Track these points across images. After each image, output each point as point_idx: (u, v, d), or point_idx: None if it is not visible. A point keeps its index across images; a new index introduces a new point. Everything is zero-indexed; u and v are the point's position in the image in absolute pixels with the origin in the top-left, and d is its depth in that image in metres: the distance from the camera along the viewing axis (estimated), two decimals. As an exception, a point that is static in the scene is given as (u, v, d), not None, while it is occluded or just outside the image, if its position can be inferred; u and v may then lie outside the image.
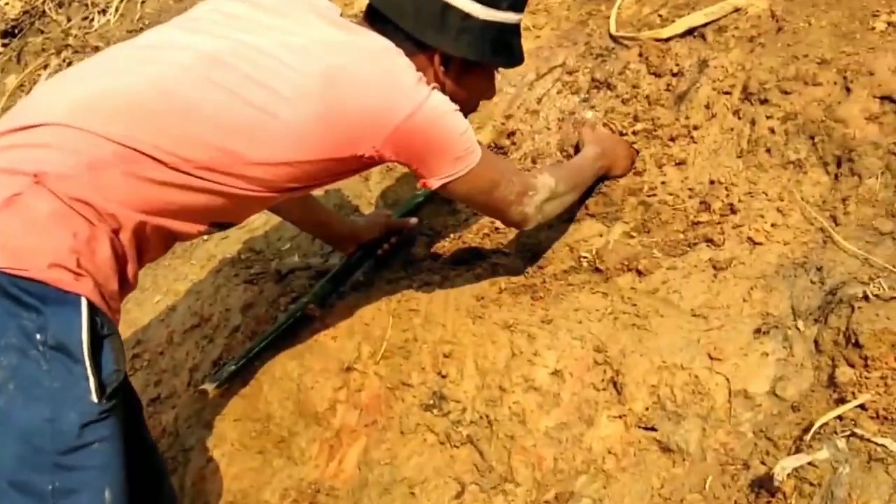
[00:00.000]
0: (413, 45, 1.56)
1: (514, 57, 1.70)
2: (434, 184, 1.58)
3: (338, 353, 1.99)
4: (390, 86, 1.49)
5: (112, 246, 1.40)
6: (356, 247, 2.07)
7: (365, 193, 2.40)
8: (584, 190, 1.92)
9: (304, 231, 2.25)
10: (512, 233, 2.07)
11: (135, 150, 1.39)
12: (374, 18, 1.58)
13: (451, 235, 2.14)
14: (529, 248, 2.00)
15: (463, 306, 1.91)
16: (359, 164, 1.57)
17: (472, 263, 2.03)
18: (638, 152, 2.02)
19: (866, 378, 1.42)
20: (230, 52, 1.46)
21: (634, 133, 2.08)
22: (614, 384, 1.66)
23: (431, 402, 1.82)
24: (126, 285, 1.47)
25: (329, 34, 1.51)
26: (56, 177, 1.35)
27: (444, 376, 1.84)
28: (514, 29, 1.66)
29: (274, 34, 1.49)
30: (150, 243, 1.49)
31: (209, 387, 1.89)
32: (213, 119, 1.43)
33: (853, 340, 1.46)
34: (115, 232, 1.41)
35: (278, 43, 1.47)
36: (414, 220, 2.09)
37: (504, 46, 1.66)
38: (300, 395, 1.98)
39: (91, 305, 1.34)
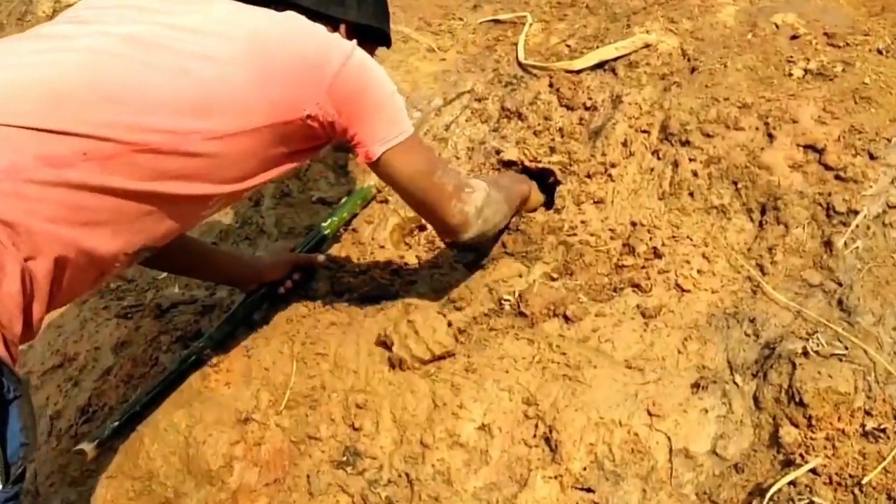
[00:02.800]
0: (314, 19, 1.50)
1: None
2: (376, 150, 1.47)
3: (233, 401, 1.78)
4: (318, 37, 1.45)
5: (21, 277, 1.17)
6: (257, 284, 1.87)
7: (256, 219, 2.20)
8: (513, 207, 1.83)
9: (204, 281, 2.04)
10: (424, 269, 1.95)
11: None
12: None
13: (356, 270, 1.99)
14: (443, 287, 1.87)
15: (377, 351, 1.76)
16: (307, 134, 1.45)
17: (381, 302, 1.89)
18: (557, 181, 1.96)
19: (812, 439, 1.40)
20: (153, 34, 1.34)
21: (550, 164, 2.01)
22: (547, 441, 1.56)
23: (344, 458, 1.66)
24: (29, 331, 1.22)
25: (239, 7, 1.44)
26: None
27: (357, 429, 1.68)
28: None
29: (187, 17, 1.39)
30: (66, 277, 1.26)
31: (88, 447, 1.64)
32: (157, 99, 1.29)
33: (796, 399, 1.44)
34: (29, 259, 1.18)
35: (198, 20, 1.38)
36: (322, 256, 1.92)
37: (388, 17, 1.68)
38: (189, 449, 1.75)
39: None
